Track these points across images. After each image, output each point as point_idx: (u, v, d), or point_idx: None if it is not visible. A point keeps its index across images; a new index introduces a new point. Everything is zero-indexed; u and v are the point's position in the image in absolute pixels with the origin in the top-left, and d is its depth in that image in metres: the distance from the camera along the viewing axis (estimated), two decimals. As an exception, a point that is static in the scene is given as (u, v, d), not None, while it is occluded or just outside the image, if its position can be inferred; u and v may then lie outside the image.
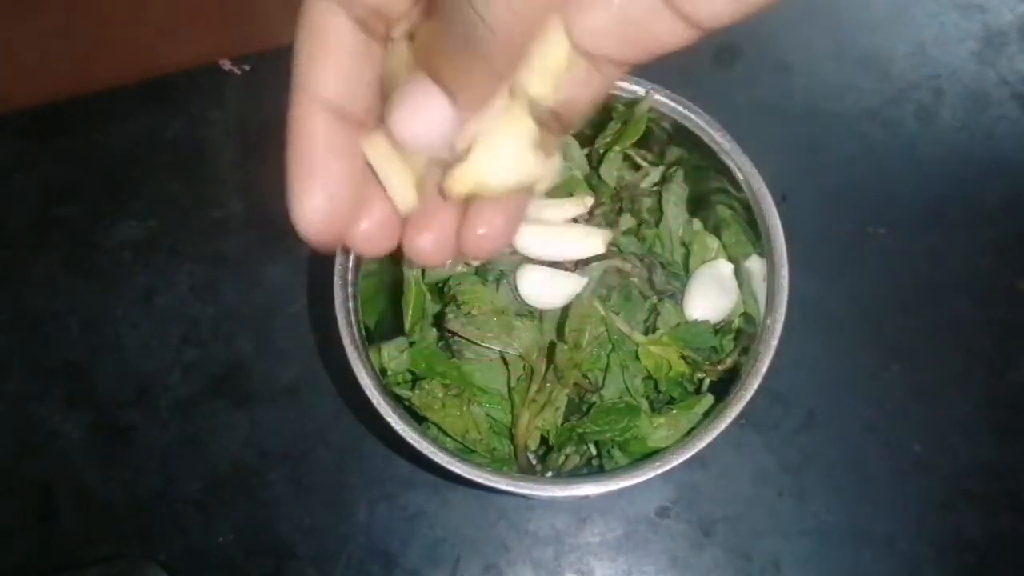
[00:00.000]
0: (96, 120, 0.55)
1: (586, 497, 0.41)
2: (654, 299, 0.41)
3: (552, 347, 0.39)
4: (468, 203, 0.24)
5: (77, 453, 0.49)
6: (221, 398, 0.50)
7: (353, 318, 0.38)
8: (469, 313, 0.39)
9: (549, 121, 0.22)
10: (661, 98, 0.40)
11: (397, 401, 0.38)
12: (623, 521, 0.48)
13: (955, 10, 0.57)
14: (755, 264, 0.41)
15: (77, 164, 0.55)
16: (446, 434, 0.39)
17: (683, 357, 0.40)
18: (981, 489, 0.48)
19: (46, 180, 0.54)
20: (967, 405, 0.49)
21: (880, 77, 0.56)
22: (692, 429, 0.38)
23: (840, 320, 0.51)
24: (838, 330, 0.51)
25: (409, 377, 0.41)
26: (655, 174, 0.44)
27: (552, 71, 0.21)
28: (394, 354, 0.40)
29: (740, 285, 0.42)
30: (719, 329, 0.41)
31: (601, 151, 0.43)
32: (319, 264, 0.51)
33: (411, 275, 0.40)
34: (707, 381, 0.41)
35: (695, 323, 0.40)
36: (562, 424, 0.40)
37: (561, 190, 0.42)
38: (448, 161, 0.23)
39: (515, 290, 0.40)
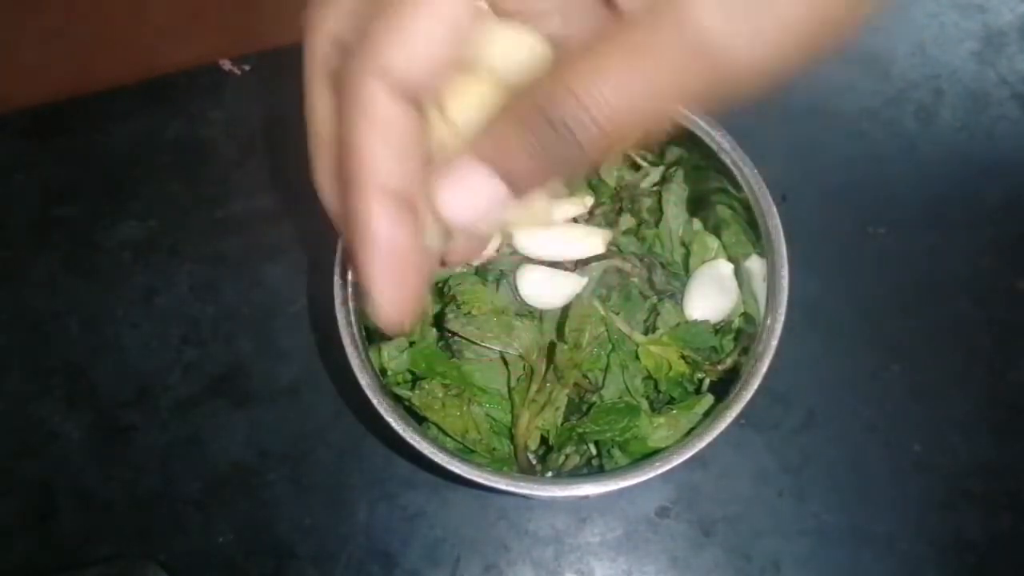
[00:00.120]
0: (96, 120, 0.55)
1: (586, 497, 0.41)
2: (654, 299, 0.41)
3: (552, 347, 0.39)
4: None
5: (77, 453, 0.49)
6: (221, 398, 0.50)
7: (353, 318, 0.38)
8: (469, 313, 0.39)
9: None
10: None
11: (397, 401, 0.38)
12: (623, 521, 0.48)
13: (955, 10, 0.57)
14: (755, 264, 0.41)
15: (77, 164, 0.55)
16: (446, 434, 0.39)
17: (683, 357, 0.40)
18: (981, 489, 0.48)
19: (46, 180, 0.54)
20: (967, 405, 0.49)
21: (880, 77, 0.56)
22: (692, 429, 0.38)
23: (840, 320, 0.51)
24: (838, 330, 0.51)
25: (409, 377, 0.41)
26: (655, 174, 0.44)
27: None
28: (394, 354, 0.40)
29: (740, 285, 0.42)
30: (719, 329, 0.42)
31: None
32: (319, 264, 0.51)
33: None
34: (707, 381, 0.41)
35: (695, 323, 0.40)
36: (562, 424, 0.40)
37: (561, 190, 0.42)
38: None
39: (515, 290, 0.40)
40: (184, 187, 0.54)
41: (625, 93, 0.20)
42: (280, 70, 0.56)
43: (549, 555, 0.47)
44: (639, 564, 0.47)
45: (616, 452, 0.39)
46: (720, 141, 0.39)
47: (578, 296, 0.39)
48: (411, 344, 0.41)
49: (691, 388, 0.41)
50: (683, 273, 0.42)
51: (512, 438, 0.40)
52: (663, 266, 0.42)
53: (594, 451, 0.41)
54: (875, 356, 0.50)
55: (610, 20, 0.23)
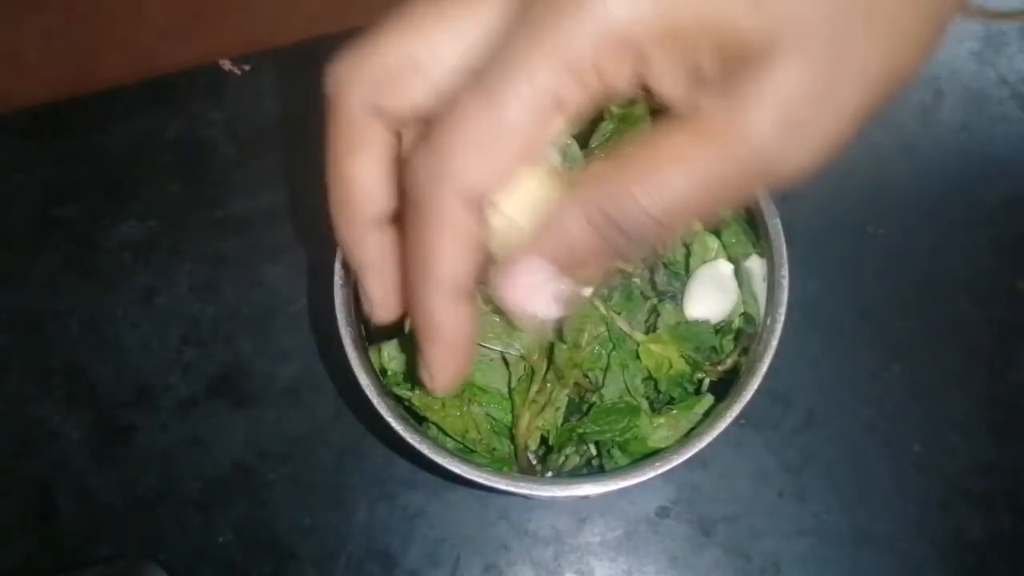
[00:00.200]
0: (96, 120, 0.55)
1: (586, 497, 0.41)
2: (654, 300, 0.41)
3: (552, 347, 0.39)
4: None
5: (77, 453, 0.49)
6: (221, 398, 0.50)
7: (353, 318, 0.38)
8: None
9: None
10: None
11: (397, 401, 0.38)
12: (623, 521, 0.48)
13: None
14: (755, 264, 0.41)
15: (77, 164, 0.55)
16: (446, 434, 0.39)
17: (683, 357, 0.40)
18: (981, 489, 0.48)
19: (46, 180, 0.54)
20: (967, 405, 0.49)
21: (880, 77, 0.56)
22: (692, 429, 0.38)
23: (840, 320, 0.51)
24: (838, 330, 0.51)
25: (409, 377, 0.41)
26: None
27: None
28: (394, 354, 0.40)
29: (740, 285, 0.42)
30: (719, 329, 0.41)
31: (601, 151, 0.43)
32: (319, 264, 0.51)
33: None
34: (707, 381, 0.41)
35: (695, 323, 0.40)
36: (562, 424, 0.39)
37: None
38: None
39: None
40: (184, 187, 0.54)
41: (681, 195, 0.21)
42: (280, 70, 0.56)
43: (549, 555, 0.47)
44: (639, 564, 0.47)
45: (616, 452, 0.39)
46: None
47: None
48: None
49: (691, 388, 0.40)
50: (684, 273, 0.42)
51: (512, 438, 0.40)
52: (665, 266, 0.42)
53: (594, 451, 0.41)
54: (875, 356, 0.50)
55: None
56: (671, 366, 0.40)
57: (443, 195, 0.22)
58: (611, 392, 0.39)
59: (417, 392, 0.39)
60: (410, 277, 0.24)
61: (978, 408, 0.49)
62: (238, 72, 0.56)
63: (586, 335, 0.38)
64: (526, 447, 0.40)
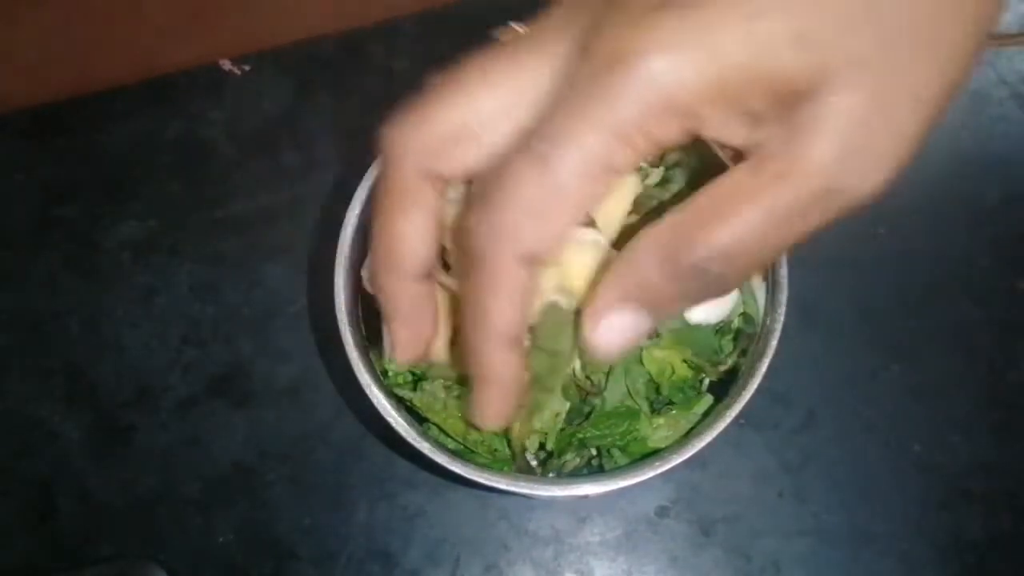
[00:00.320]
0: (96, 120, 0.55)
1: (586, 497, 0.41)
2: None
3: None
4: None
5: (77, 453, 0.49)
6: (221, 398, 0.50)
7: (353, 318, 0.37)
8: None
9: None
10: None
11: (397, 401, 0.38)
12: (623, 521, 0.48)
13: (955, 10, 0.57)
14: (755, 264, 0.40)
15: (77, 164, 0.55)
16: (447, 435, 0.39)
17: (686, 361, 0.40)
18: (981, 489, 0.48)
19: (46, 180, 0.54)
20: (967, 405, 0.49)
21: (880, 77, 0.56)
22: (692, 429, 0.38)
23: (840, 320, 0.51)
24: (838, 330, 0.51)
25: (410, 378, 0.41)
26: (655, 175, 0.44)
27: None
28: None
29: (740, 285, 0.42)
30: (719, 329, 0.41)
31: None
32: (319, 264, 0.51)
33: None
34: (706, 381, 0.41)
35: (696, 327, 0.40)
36: (562, 429, 0.39)
37: None
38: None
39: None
40: (184, 187, 0.54)
41: (754, 233, 0.22)
42: (280, 70, 0.56)
43: (549, 555, 0.47)
44: (639, 564, 0.47)
45: (616, 452, 0.39)
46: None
47: (551, 304, 0.38)
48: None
49: (693, 394, 0.40)
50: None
51: (509, 443, 0.40)
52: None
53: (594, 451, 0.41)
54: (875, 356, 0.50)
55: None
56: (674, 372, 0.39)
57: (500, 254, 0.23)
58: (613, 396, 0.39)
59: (418, 393, 0.39)
60: (466, 326, 0.26)
61: (978, 408, 0.49)
62: (238, 72, 0.56)
63: (563, 340, 0.37)
64: (524, 450, 0.40)
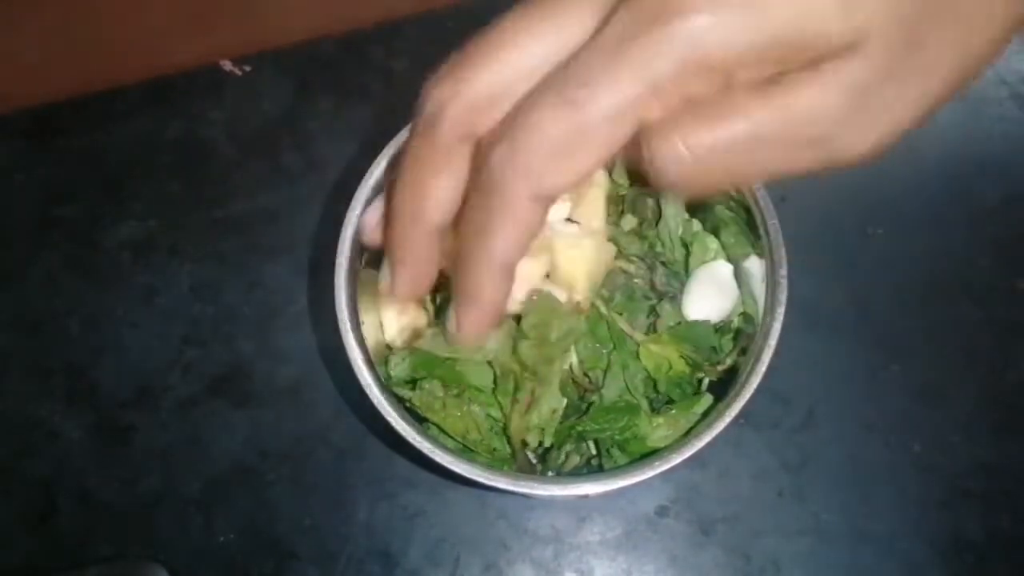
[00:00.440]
0: (96, 120, 0.55)
1: (586, 496, 0.42)
2: (654, 300, 0.41)
3: (515, 346, 0.38)
4: None
5: (77, 453, 0.49)
6: (221, 398, 0.50)
7: (354, 318, 0.38)
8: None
9: None
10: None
11: (397, 401, 0.38)
12: (623, 520, 0.48)
13: (955, 10, 0.57)
14: (754, 264, 0.41)
15: (77, 164, 0.55)
16: (446, 434, 0.39)
17: (683, 357, 0.40)
18: (981, 489, 0.48)
19: (46, 180, 0.54)
20: (967, 405, 0.49)
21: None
22: (691, 429, 0.38)
23: (840, 320, 0.51)
24: (838, 330, 0.51)
25: (410, 377, 0.41)
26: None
27: None
28: (396, 360, 0.40)
29: (739, 285, 0.42)
30: (718, 329, 0.41)
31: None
32: (319, 264, 0.51)
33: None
34: (706, 381, 0.41)
35: (695, 323, 0.40)
36: (561, 423, 0.39)
37: None
38: None
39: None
40: (184, 187, 0.54)
41: (731, 141, 0.22)
42: (280, 70, 0.56)
43: (549, 554, 0.47)
44: (639, 563, 0.47)
45: (616, 452, 0.39)
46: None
47: (541, 292, 0.38)
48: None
49: (690, 390, 0.40)
50: (683, 273, 0.42)
51: (508, 439, 0.40)
52: (664, 265, 0.42)
53: (594, 451, 0.41)
54: (875, 356, 0.50)
55: None
56: (671, 367, 0.39)
57: (517, 190, 0.23)
58: (611, 392, 0.39)
59: (417, 392, 0.39)
60: (466, 245, 0.26)
61: (978, 408, 0.49)
62: (238, 72, 0.56)
63: (553, 331, 0.38)
64: (524, 445, 0.40)
